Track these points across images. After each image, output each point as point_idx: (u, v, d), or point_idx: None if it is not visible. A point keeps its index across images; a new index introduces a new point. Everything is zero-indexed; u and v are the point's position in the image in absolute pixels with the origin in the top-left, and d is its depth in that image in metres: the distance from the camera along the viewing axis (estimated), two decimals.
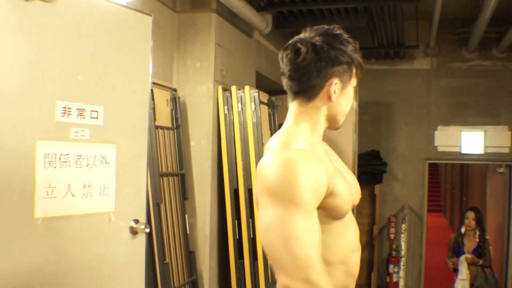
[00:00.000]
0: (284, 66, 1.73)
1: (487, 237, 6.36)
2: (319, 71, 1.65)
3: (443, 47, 6.77)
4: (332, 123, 1.77)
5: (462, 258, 6.10)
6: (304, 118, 1.71)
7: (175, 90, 3.92)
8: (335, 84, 1.67)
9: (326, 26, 1.72)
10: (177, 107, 3.89)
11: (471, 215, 6.22)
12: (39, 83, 2.35)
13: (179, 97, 3.95)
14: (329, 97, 1.68)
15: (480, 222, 6.26)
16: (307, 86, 1.68)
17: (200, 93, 4.03)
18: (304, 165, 1.51)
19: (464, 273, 6.08)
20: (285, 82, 1.75)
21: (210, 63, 4.02)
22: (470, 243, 6.17)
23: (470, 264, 6.04)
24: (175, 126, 3.88)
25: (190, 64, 4.05)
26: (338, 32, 1.70)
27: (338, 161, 1.83)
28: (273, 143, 1.68)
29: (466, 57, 6.74)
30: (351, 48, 1.69)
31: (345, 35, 1.71)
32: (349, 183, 1.73)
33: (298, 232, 1.45)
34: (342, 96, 1.71)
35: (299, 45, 1.69)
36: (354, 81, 1.74)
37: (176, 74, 4.05)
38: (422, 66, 6.88)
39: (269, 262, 1.53)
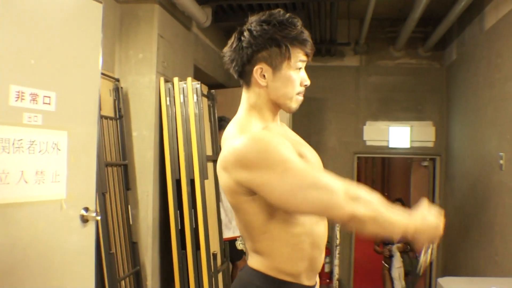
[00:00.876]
0: None
1: None
2: (243, 58, 1.73)
3: (371, 45, 7.01)
4: (281, 107, 1.81)
5: (395, 247, 6.48)
6: (251, 105, 1.79)
7: (118, 80, 3.90)
8: (260, 70, 1.72)
9: (269, 12, 1.75)
10: (120, 98, 3.87)
11: (398, 205, 6.52)
12: None
13: (121, 88, 3.93)
14: (259, 83, 1.74)
15: (403, 204, 6.87)
16: (240, 73, 1.78)
17: (143, 84, 4.02)
18: (269, 135, 1.64)
19: (399, 261, 6.48)
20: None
21: (153, 54, 4.02)
22: None
23: (401, 252, 6.44)
24: (118, 116, 3.86)
25: (132, 54, 4.03)
26: (273, 16, 1.72)
27: (300, 139, 1.93)
28: (231, 132, 1.75)
29: (393, 55, 7.02)
30: (284, 32, 1.70)
31: (281, 18, 1.71)
32: (313, 153, 1.84)
33: (309, 177, 1.59)
34: (277, 80, 1.73)
35: (233, 35, 1.79)
36: (294, 64, 1.74)
37: (118, 65, 4.03)
38: (352, 63, 7.11)
39: (324, 215, 1.72)
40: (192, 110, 4.05)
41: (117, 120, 3.84)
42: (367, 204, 1.58)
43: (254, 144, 1.59)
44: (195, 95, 4.08)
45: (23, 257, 2.49)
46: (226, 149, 1.66)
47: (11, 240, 2.43)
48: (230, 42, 1.79)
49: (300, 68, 1.77)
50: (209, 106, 4.54)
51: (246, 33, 1.73)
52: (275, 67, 1.72)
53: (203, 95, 4.28)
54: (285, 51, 1.71)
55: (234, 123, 1.77)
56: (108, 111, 3.77)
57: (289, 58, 1.72)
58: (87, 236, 2.88)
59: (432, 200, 7.05)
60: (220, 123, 4.93)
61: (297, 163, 1.59)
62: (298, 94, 1.78)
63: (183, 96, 4.08)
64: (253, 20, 1.75)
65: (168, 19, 4.28)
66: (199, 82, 4.17)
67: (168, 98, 4.08)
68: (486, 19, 5.11)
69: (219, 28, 5.75)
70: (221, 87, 6.22)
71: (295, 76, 1.75)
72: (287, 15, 1.73)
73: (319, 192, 1.55)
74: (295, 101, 1.79)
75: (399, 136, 6.92)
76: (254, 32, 1.71)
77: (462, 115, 6.10)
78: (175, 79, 4.10)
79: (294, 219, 1.71)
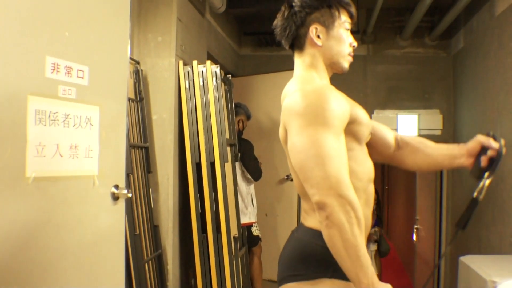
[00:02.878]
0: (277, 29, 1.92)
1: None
2: (297, 21, 1.83)
3: (378, 35, 7.01)
4: (334, 67, 1.90)
5: (372, 231, 6.24)
6: (307, 65, 1.86)
7: (138, 62, 3.88)
8: (316, 30, 1.82)
9: None
10: (140, 80, 3.85)
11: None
12: (30, 36, 2.27)
13: (142, 70, 3.90)
14: (314, 43, 1.82)
15: (377, 194, 6.38)
16: (293, 38, 1.87)
17: (162, 67, 4.00)
18: (329, 92, 1.65)
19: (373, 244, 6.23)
20: (282, 42, 1.93)
21: (172, 37, 4.00)
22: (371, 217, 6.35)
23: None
24: (138, 98, 3.84)
25: (151, 38, 4.01)
26: None
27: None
28: (292, 86, 1.78)
29: (400, 45, 7.01)
30: None
31: None
32: (365, 113, 1.86)
33: (330, 152, 1.54)
34: (330, 39, 1.84)
35: (282, 7, 1.90)
36: (343, 24, 1.86)
37: (136, 48, 4.01)
38: (359, 52, 7.09)
39: (302, 183, 1.59)
40: (211, 94, 4.03)
41: (137, 102, 3.82)
42: (348, 216, 1.49)
43: (311, 95, 1.64)
44: (214, 79, 4.06)
45: (56, 233, 2.46)
46: (287, 98, 1.70)
47: (46, 214, 2.40)
48: (280, 14, 1.89)
49: (348, 30, 1.88)
50: (225, 91, 4.52)
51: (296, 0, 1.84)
52: (328, 26, 1.83)
53: (221, 79, 4.26)
54: (334, 10, 1.83)
55: (294, 80, 1.83)
56: (130, 93, 3.74)
57: (339, 17, 1.84)
58: (117, 214, 2.86)
59: (440, 190, 7.07)
60: (236, 109, 4.92)
61: (332, 135, 1.59)
62: (348, 54, 1.89)
63: (202, 79, 4.07)
64: None
65: (185, 3, 4.27)
66: (218, 65, 4.15)
67: (187, 81, 4.07)
68: (496, 4, 5.12)
69: (231, 16, 5.74)
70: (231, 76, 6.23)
71: (345, 35, 1.87)
72: None
73: (319, 167, 1.52)
74: (347, 60, 1.90)
75: (407, 124, 6.92)
76: None
77: (470, 102, 6.11)
78: (195, 62, 4.08)
79: (355, 174, 1.71)
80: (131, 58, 3.78)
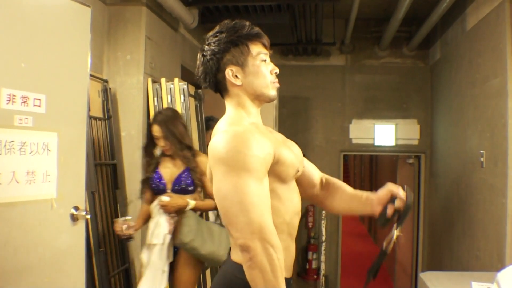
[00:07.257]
0: None
1: None
2: (212, 68, 1.88)
3: (357, 45, 7.11)
4: (261, 99, 1.94)
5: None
6: (235, 105, 1.92)
7: (106, 81, 3.97)
8: (231, 71, 1.86)
9: (218, 25, 1.91)
10: (109, 98, 3.94)
11: (156, 130, 3.42)
12: None
13: (110, 88, 4.00)
14: (234, 84, 1.88)
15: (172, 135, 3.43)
16: (215, 84, 1.92)
17: (131, 85, 4.10)
18: (251, 136, 1.70)
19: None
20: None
21: (141, 55, 4.10)
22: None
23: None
24: (106, 117, 3.93)
25: (120, 56, 4.11)
26: (223, 26, 1.89)
27: (282, 137, 2.04)
28: (221, 126, 1.86)
29: (378, 55, 7.10)
30: (237, 33, 1.86)
31: (231, 24, 1.89)
32: (293, 151, 1.94)
33: (253, 199, 1.62)
34: (248, 75, 1.88)
35: (198, 54, 1.95)
36: (257, 56, 1.89)
37: (106, 66, 4.10)
38: (338, 62, 7.20)
39: (226, 226, 1.69)
40: (179, 110, 4.12)
41: (105, 120, 3.92)
42: (271, 258, 1.59)
43: (233, 140, 1.68)
44: (182, 96, 4.16)
45: (13, 255, 2.56)
46: (213, 139, 1.77)
47: (3, 238, 2.50)
48: (198, 62, 1.95)
49: (264, 60, 1.91)
50: (196, 106, 4.62)
51: (206, 47, 1.89)
52: (242, 64, 1.87)
53: (190, 95, 4.35)
54: (243, 47, 1.87)
55: (224, 119, 1.89)
56: (97, 111, 3.84)
57: (250, 52, 1.88)
58: (77, 234, 2.96)
59: (417, 197, 7.16)
60: (208, 123, 5.00)
61: (255, 180, 1.66)
62: (272, 82, 1.92)
63: (171, 96, 4.16)
64: (208, 36, 1.91)
65: (155, 20, 4.36)
66: (186, 82, 4.25)
67: (155, 99, 4.16)
68: (467, 20, 5.22)
69: (206, 29, 5.78)
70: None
71: (262, 67, 1.90)
72: (235, 21, 1.90)
73: (243, 213, 1.61)
74: (272, 88, 1.93)
75: (384, 134, 7.01)
76: (212, 44, 1.87)
77: (445, 114, 6.21)
78: (163, 80, 4.17)
79: (276, 212, 1.81)
80: (99, 78, 3.88)
